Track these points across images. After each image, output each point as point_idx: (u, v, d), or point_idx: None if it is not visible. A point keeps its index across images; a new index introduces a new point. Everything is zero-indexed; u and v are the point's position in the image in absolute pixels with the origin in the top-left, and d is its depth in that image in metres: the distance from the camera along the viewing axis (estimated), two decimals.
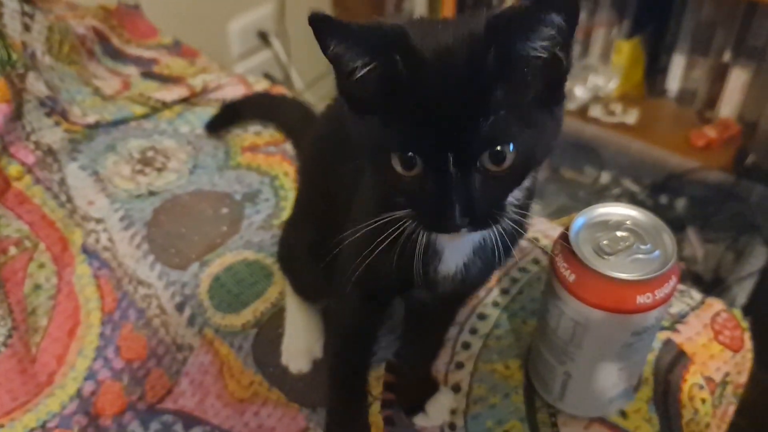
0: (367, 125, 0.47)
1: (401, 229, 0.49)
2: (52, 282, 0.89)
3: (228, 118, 1.04)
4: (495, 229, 0.48)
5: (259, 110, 1.04)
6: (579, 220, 0.60)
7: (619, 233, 0.59)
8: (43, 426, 0.75)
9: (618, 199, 1.45)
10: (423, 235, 0.50)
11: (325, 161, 0.66)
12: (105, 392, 0.79)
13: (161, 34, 1.26)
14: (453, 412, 0.69)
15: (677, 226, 1.36)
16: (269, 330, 0.79)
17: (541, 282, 0.80)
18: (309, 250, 0.71)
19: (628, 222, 0.60)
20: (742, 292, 1.23)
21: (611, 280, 0.56)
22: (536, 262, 0.83)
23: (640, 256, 0.58)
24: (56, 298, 0.87)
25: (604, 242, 0.58)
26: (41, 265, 0.90)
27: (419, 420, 0.69)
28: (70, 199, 0.96)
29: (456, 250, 0.55)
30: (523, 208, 0.52)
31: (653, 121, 1.57)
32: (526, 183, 0.50)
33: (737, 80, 1.51)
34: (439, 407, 0.68)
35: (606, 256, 0.57)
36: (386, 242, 0.49)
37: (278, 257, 0.81)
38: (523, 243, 0.85)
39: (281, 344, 0.77)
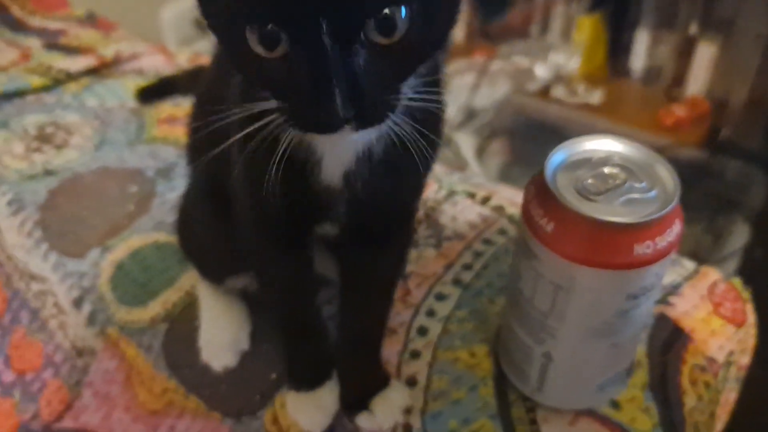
0: None
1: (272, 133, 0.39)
2: None
3: (163, 90, 0.91)
4: (390, 126, 0.39)
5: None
6: (557, 156, 0.48)
7: (606, 170, 0.47)
8: None
9: None
10: (292, 137, 0.40)
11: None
12: None
13: (72, 7, 1.12)
14: (408, 411, 0.56)
15: None
16: (182, 324, 0.66)
17: (510, 255, 0.68)
18: (205, 202, 0.59)
19: (616, 158, 0.48)
20: (724, 273, 1.14)
21: (601, 225, 0.44)
22: (503, 232, 0.71)
23: (635, 195, 0.46)
24: None
25: (589, 181, 0.46)
26: None
27: (363, 421, 0.56)
28: None
29: (336, 153, 0.44)
30: (428, 102, 0.42)
31: (619, 101, 1.50)
32: (425, 68, 0.41)
33: (704, 55, 1.44)
34: (389, 405, 0.56)
35: (592, 197, 0.45)
36: (262, 153, 0.40)
37: (177, 237, 0.68)
38: (486, 212, 0.73)
39: (198, 340, 0.64)
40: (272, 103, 0.38)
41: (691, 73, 1.46)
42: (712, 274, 0.68)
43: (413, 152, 0.42)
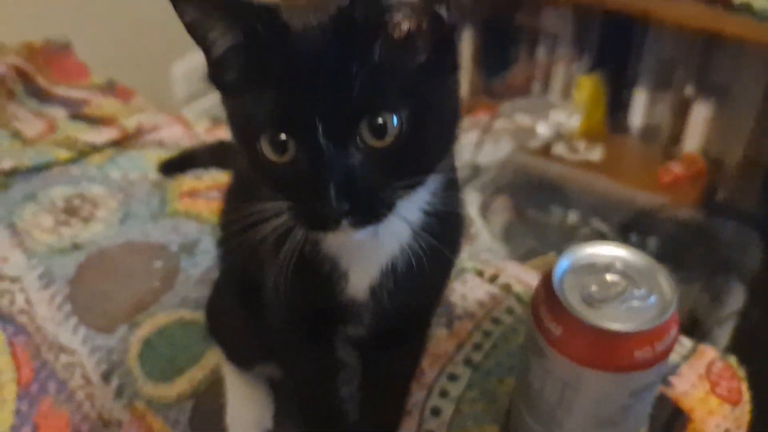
0: (235, 108, 0.43)
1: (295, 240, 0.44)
2: None
3: (184, 163, 0.95)
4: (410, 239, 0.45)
5: (218, 158, 0.95)
6: (562, 263, 0.52)
7: (608, 277, 0.51)
8: None
9: (587, 239, 1.39)
10: (314, 246, 0.46)
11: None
12: None
13: (93, 75, 1.17)
14: None
15: None
16: (208, 401, 0.69)
17: (517, 334, 0.71)
18: (238, 294, 0.63)
19: (617, 264, 0.52)
20: (723, 335, 1.17)
21: (604, 332, 0.48)
22: (510, 311, 0.74)
23: (635, 303, 0.50)
24: None
25: (593, 288, 0.50)
26: None
27: None
28: None
29: (361, 268, 0.49)
30: (445, 218, 0.47)
31: (618, 158, 1.54)
32: (435, 181, 0.46)
33: (700, 115, 1.49)
34: None
35: (596, 305, 0.49)
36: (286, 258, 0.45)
37: (206, 321, 0.72)
38: (494, 290, 0.77)
39: (223, 418, 0.67)
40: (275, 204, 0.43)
41: (688, 131, 1.51)
42: (708, 353, 0.71)
43: (435, 261, 0.47)
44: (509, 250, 1.33)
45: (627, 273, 0.51)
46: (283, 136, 0.39)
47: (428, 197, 0.46)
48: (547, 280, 0.51)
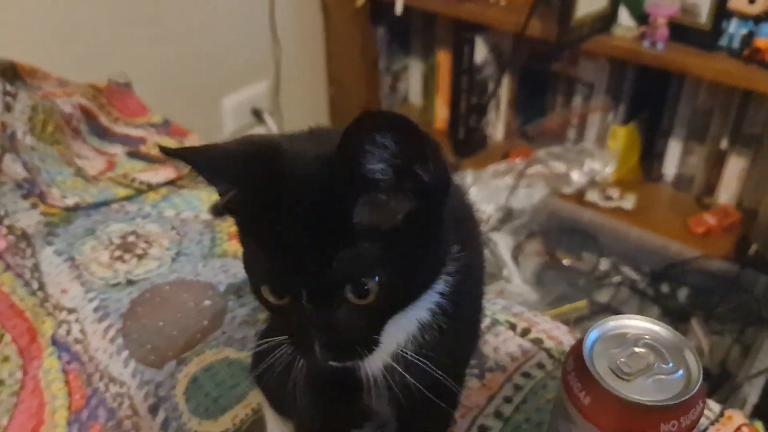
0: (243, 247, 0.47)
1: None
2: (17, 377, 0.83)
3: None
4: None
5: None
6: (593, 333, 0.55)
7: (637, 350, 0.54)
8: None
9: (619, 287, 1.41)
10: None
11: None
12: None
13: (151, 113, 1.23)
14: None
15: (681, 317, 1.32)
16: None
17: (546, 390, 0.74)
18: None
19: (646, 337, 0.55)
20: (754, 392, 1.17)
21: (631, 404, 0.50)
22: (541, 366, 0.77)
23: (662, 376, 0.52)
24: (20, 394, 0.81)
25: (622, 360, 0.53)
26: (5, 359, 0.84)
27: None
28: (42, 287, 0.91)
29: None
30: (461, 301, 0.51)
31: (651, 206, 1.55)
32: (426, 310, 0.49)
33: (735, 167, 1.50)
34: None
35: (624, 377, 0.52)
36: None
37: (252, 367, 0.76)
38: (526, 344, 0.80)
39: None
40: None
41: (722, 182, 1.52)
42: (736, 418, 0.73)
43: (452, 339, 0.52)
44: (541, 294, 1.35)
45: (655, 346, 0.54)
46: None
47: (436, 298, 0.50)
48: (577, 349, 0.54)
